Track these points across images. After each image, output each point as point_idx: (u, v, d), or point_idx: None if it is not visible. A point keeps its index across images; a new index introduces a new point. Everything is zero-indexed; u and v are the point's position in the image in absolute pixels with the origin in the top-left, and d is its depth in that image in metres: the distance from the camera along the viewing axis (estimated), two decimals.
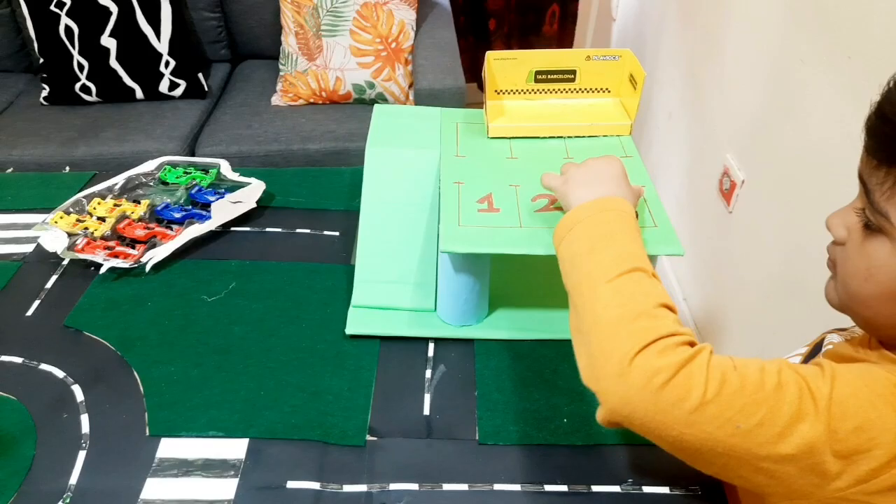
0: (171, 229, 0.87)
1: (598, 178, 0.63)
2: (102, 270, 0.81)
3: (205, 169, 0.97)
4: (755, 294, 1.30)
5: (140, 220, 0.87)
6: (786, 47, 1.17)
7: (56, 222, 0.86)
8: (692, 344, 0.48)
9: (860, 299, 0.51)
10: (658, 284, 0.53)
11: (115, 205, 0.89)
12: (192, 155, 1.76)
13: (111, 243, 0.84)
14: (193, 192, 0.93)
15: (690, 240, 1.59)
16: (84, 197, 0.90)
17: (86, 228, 0.85)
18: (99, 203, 0.89)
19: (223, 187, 0.94)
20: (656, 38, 1.85)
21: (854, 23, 0.97)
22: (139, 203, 0.90)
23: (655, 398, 0.46)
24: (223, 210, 0.88)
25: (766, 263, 1.25)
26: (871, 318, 0.51)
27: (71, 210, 0.89)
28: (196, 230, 0.85)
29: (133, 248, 0.84)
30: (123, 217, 0.87)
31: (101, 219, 0.87)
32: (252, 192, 0.92)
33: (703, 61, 1.53)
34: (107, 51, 1.82)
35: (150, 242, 0.84)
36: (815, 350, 0.64)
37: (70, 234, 0.84)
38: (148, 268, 0.81)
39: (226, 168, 0.97)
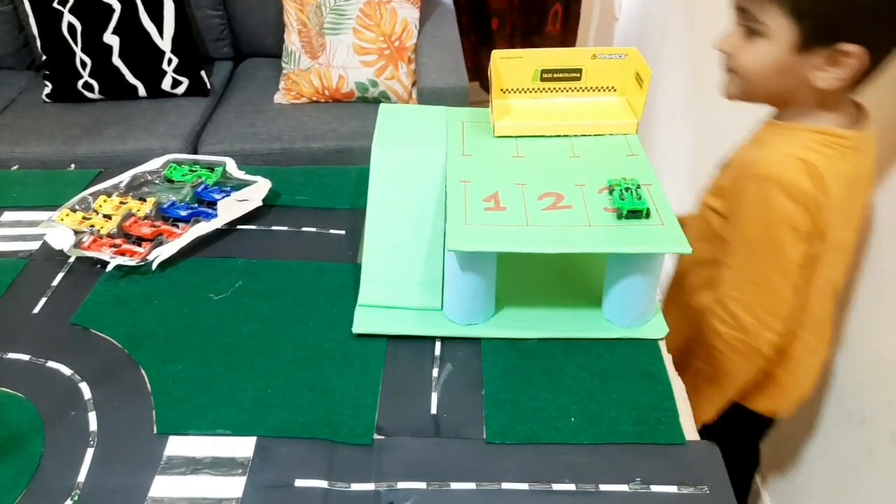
0: (178, 227, 0.87)
1: None
2: (109, 268, 0.81)
3: (210, 167, 0.97)
4: None
5: (146, 217, 0.87)
6: None
7: (62, 220, 0.86)
8: None
9: (756, 81, 0.79)
10: None
11: (121, 202, 0.89)
12: (195, 153, 1.76)
13: (117, 241, 0.84)
14: (199, 190, 0.93)
15: None
16: (90, 194, 0.90)
17: (92, 226, 0.85)
18: (105, 201, 0.89)
19: (229, 185, 0.94)
20: (660, 38, 1.85)
21: None
22: (145, 201, 0.90)
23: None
24: (229, 208, 0.88)
25: None
26: (764, 91, 0.80)
27: (77, 208, 0.89)
28: (202, 228, 0.85)
29: (139, 245, 0.84)
30: (129, 215, 0.87)
31: (107, 216, 0.87)
32: (258, 190, 0.92)
33: (707, 61, 1.53)
34: (109, 48, 1.82)
35: (157, 240, 0.84)
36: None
37: (76, 232, 0.85)
38: (154, 266, 0.81)
39: (231, 166, 0.97)
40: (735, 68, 0.80)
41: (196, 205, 0.91)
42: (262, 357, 0.72)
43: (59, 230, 0.84)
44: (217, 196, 0.91)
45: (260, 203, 0.90)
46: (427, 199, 0.77)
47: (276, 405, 0.67)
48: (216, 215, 0.87)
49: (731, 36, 0.79)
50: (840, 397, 1.02)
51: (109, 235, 0.85)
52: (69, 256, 0.83)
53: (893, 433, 0.89)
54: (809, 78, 0.74)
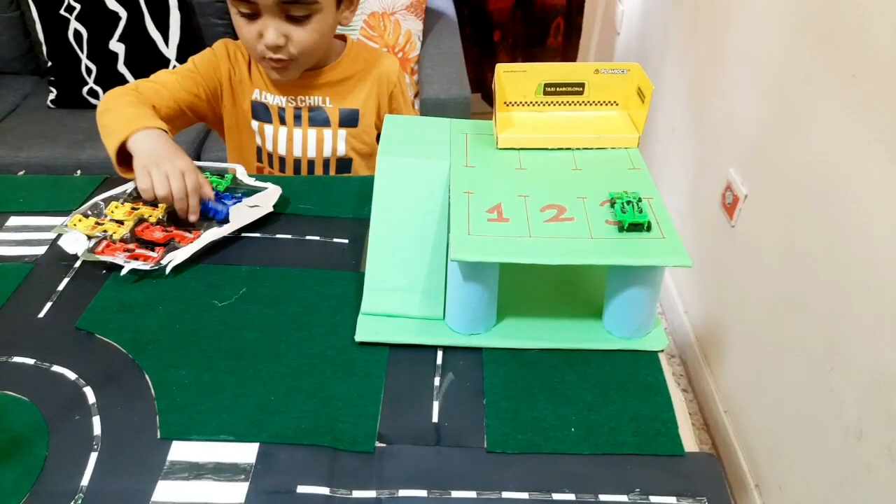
0: (189, 232, 0.88)
1: None
2: (123, 272, 0.82)
3: (220, 174, 0.98)
4: (757, 308, 1.31)
5: (158, 222, 0.88)
6: (790, 64, 1.18)
7: (75, 225, 0.87)
8: None
9: (314, 52, 1.03)
10: None
11: (133, 208, 0.90)
12: (198, 159, 1.77)
13: (130, 246, 0.85)
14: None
15: (692, 253, 1.60)
16: (102, 200, 0.91)
17: (105, 231, 0.86)
18: (116, 206, 0.90)
19: (240, 192, 0.95)
20: (660, 52, 1.87)
21: (859, 42, 0.99)
22: (156, 207, 0.91)
23: None
24: (241, 214, 0.89)
25: (767, 278, 1.26)
26: (316, 57, 1.06)
27: (89, 213, 0.89)
28: (215, 233, 0.86)
29: (152, 250, 0.85)
30: (141, 220, 0.88)
31: (119, 222, 0.88)
32: (269, 196, 0.93)
33: (707, 76, 1.55)
34: (115, 55, 1.84)
35: (170, 245, 0.85)
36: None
37: (89, 237, 0.85)
38: (168, 269, 0.82)
39: (241, 173, 0.98)
40: (293, 55, 0.99)
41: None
42: (265, 364, 0.73)
43: (73, 235, 0.85)
44: (229, 202, 0.92)
45: (271, 209, 0.91)
46: (430, 209, 0.78)
47: (279, 412, 0.68)
48: (228, 214, 0.89)
49: (275, 30, 0.96)
50: (838, 412, 1.03)
51: (122, 240, 0.86)
52: (75, 261, 0.84)
53: (891, 448, 0.90)
54: (341, 23, 1.03)
